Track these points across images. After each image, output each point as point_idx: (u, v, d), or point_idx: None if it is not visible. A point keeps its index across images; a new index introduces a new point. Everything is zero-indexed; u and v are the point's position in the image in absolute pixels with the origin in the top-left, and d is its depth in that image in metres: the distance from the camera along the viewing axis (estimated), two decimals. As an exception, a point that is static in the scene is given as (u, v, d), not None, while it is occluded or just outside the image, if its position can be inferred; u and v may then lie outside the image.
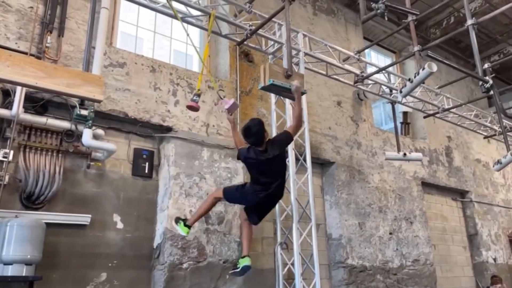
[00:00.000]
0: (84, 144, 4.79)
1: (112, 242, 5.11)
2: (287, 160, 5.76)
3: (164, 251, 5.19)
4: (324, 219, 7.46)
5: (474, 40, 5.66)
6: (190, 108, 4.71)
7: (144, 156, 5.62)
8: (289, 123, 5.83)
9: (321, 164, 7.67)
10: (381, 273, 7.45)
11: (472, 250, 9.97)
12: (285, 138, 4.34)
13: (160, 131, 5.77)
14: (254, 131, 4.10)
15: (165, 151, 5.72)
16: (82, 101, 4.75)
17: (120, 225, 5.22)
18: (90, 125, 4.75)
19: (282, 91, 4.49)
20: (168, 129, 5.74)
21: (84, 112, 4.72)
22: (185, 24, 5.81)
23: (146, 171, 5.58)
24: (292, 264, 5.33)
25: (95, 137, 4.91)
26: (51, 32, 5.03)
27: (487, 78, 5.88)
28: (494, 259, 9.90)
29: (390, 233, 7.93)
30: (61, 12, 5.20)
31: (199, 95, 4.65)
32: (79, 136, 4.81)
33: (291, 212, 5.48)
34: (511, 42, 11.25)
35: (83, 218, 4.88)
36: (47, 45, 4.93)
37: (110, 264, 5.03)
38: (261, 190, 4.23)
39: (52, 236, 4.50)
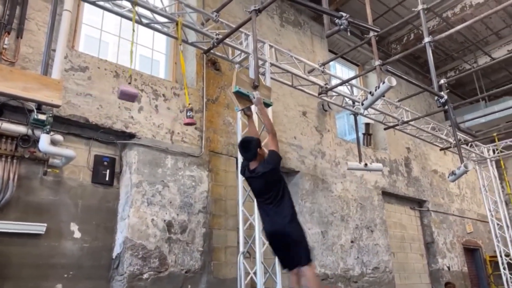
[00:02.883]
0: (41, 150, 4.61)
1: (68, 252, 4.92)
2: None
3: (123, 261, 5.05)
4: (288, 227, 7.51)
5: (430, 57, 5.94)
6: (188, 124, 4.81)
7: (105, 163, 5.47)
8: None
9: (286, 173, 7.75)
10: (342, 281, 7.58)
11: (428, 257, 10.35)
12: (270, 156, 4.13)
13: (122, 138, 5.64)
14: (246, 146, 4.08)
15: (127, 158, 5.59)
16: (40, 106, 4.57)
17: (77, 234, 5.03)
18: (48, 130, 4.59)
19: (247, 100, 4.50)
20: (131, 136, 5.63)
21: (42, 117, 4.55)
22: (150, 31, 5.77)
23: (107, 179, 5.44)
24: (255, 273, 5.32)
25: (53, 142, 4.74)
26: (9, 33, 4.84)
27: (442, 93, 6.18)
28: (448, 267, 10.32)
29: (352, 242, 8.10)
30: (21, 13, 5.02)
31: (191, 110, 4.71)
32: (36, 141, 4.63)
33: (254, 221, 5.48)
34: (466, 59, 11.89)
35: (38, 227, 4.68)
36: (5, 46, 4.74)
37: (66, 275, 4.83)
38: (263, 216, 4.28)
39: (3, 246, 4.29)
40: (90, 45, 6.29)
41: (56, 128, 4.94)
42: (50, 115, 4.58)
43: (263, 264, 5.23)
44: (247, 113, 4.55)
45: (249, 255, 5.68)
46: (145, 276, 5.14)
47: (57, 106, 4.11)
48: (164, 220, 5.55)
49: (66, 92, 5.10)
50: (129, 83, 4.58)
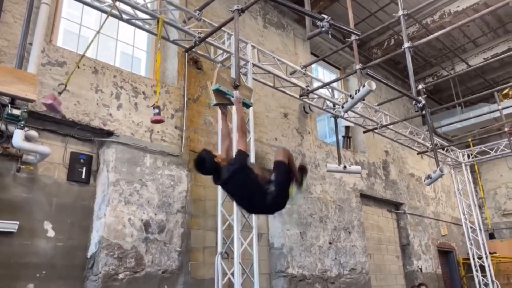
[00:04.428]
0: (14, 145, 4.47)
1: (41, 251, 4.79)
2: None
3: (99, 261, 4.95)
4: (267, 228, 7.53)
5: (409, 62, 6.06)
6: (155, 122, 4.63)
7: (82, 161, 5.36)
8: (235, 132, 5.84)
9: (266, 174, 7.75)
10: (319, 282, 7.64)
11: (404, 259, 10.54)
12: (235, 156, 3.91)
13: (100, 135, 5.54)
14: (201, 165, 3.77)
15: (105, 156, 5.49)
16: (14, 100, 4.44)
17: (51, 233, 4.91)
18: (22, 125, 4.46)
19: (225, 99, 4.40)
20: (109, 133, 5.53)
21: (16, 112, 4.41)
22: (132, 27, 5.69)
23: (83, 177, 5.32)
24: (232, 274, 5.31)
25: (28, 138, 4.61)
26: (-17, 25, 4.68)
27: (420, 98, 6.30)
28: (420, 269, 10.53)
29: (330, 243, 8.18)
30: (-4, 4, 4.86)
31: (158, 107, 4.57)
32: (10, 137, 4.49)
33: (233, 221, 5.47)
34: (444, 66, 12.19)
35: (10, 225, 4.53)
36: (-22, 38, 4.58)
37: (38, 275, 4.70)
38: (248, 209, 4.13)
39: (-28, 244, 4.13)
40: (69, 40, 6.15)
41: (31, 124, 4.81)
42: (25, 110, 4.46)
43: (241, 265, 5.22)
44: (223, 111, 4.41)
45: (227, 255, 5.66)
46: (120, 276, 5.05)
47: (32, 101, 3.99)
48: (142, 220, 5.47)
49: (42, 87, 4.98)
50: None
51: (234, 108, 4.60)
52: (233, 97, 4.18)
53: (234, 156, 3.94)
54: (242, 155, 3.81)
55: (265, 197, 3.73)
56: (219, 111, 6.11)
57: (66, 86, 4.33)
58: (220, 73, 4.31)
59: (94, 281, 4.91)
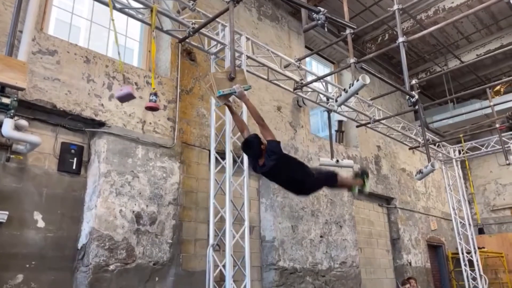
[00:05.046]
0: (4, 135, 4.41)
1: (31, 242, 4.74)
2: (224, 162, 5.77)
3: (89, 252, 4.92)
4: (259, 221, 7.55)
5: (403, 56, 6.06)
6: (150, 108, 4.49)
7: (73, 151, 5.30)
8: (229, 125, 5.81)
9: (258, 167, 7.75)
10: (310, 275, 7.69)
11: (394, 253, 10.64)
12: (270, 146, 3.95)
13: (91, 126, 5.48)
14: (249, 145, 3.94)
15: (96, 147, 5.44)
16: (3, 88, 4.36)
17: (41, 224, 4.86)
18: (12, 114, 4.39)
19: (229, 95, 4.33)
20: (101, 124, 5.48)
21: (5, 100, 4.34)
22: (124, 17, 5.61)
23: (74, 167, 5.27)
24: (224, 266, 5.32)
25: (18, 128, 4.54)
26: (-29, 11, 4.58)
27: (413, 93, 6.32)
28: (410, 263, 10.65)
29: (321, 236, 8.22)
30: (-15, -10, 4.76)
31: (156, 94, 4.46)
32: (-1, 126, 4.41)
33: (225, 214, 5.46)
34: (437, 62, 12.24)
35: (-1, 215, 4.48)
36: (-34, 24, 4.48)
37: (27, 265, 4.66)
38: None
39: (-41, 234, 4.07)
40: (61, 30, 6.06)
41: (21, 113, 4.74)
42: (15, 98, 4.38)
43: (232, 257, 5.23)
44: (227, 104, 4.32)
45: (219, 248, 5.66)
46: (111, 267, 5.03)
47: (22, 89, 3.93)
48: (133, 211, 5.44)
49: (33, 75, 4.90)
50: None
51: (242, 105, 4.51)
52: (235, 92, 4.09)
53: (268, 145, 3.97)
54: (276, 143, 3.95)
55: (309, 174, 4.15)
56: (213, 103, 6.11)
57: None
58: (216, 75, 4.24)
59: (84, 272, 4.88)
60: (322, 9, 4.65)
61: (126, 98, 4.46)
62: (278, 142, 3.98)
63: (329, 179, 4.42)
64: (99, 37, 6.57)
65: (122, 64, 5.14)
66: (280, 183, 4.31)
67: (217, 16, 5.58)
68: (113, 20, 4.25)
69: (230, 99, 4.46)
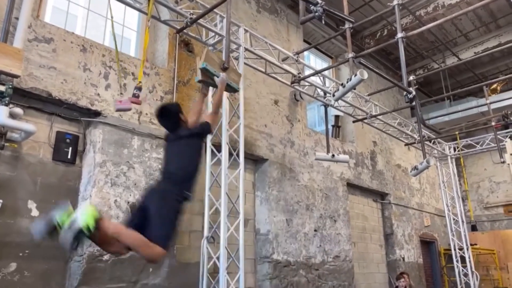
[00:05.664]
0: (-2, 122, 4.36)
1: (24, 231, 4.71)
2: (220, 154, 5.75)
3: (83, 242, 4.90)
4: (254, 214, 7.56)
5: (402, 52, 6.06)
6: (133, 103, 4.19)
7: (68, 141, 5.26)
8: (225, 118, 5.82)
9: (255, 161, 7.76)
10: (304, 268, 7.74)
11: (387, 248, 10.72)
12: (200, 124, 3.61)
13: (87, 115, 5.44)
14: (165, 114, 3.53)
15: (92, 137, 5.41)
16: (-2, 75, 4.32)
17: (35, 213, 4.84)
18: (7, 102, 4.34)
19: (211, 80, 4.26)
20: (96, 114, 5.44)
21: (0, 88, 4.29)
22: (122, 5, 5.55)
23: (69, 157, 5.24)
24: (218, 258, 5.33)
25: (12, 116, 4.49)
26: (-34, -4, 4.51)
27: (410, 89, 6.32)
28: (403, 258, 10.74)
29: (315, 230, 8.25)
30: (-20, -25, 4.68)
31: (140, 88, 4.19)
32: (-7, 113, 4.37)
33: (220, 206, 5.47)
34: (435, 59, 12.24)
35: (-8, 204, 4.46)
36: (-39, 9, 4.42)
37: (21, 254, 4.65)
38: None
39: (-48, 221, 4.05)
40: (57, 17, 5.99)
41: (16, 101, 4.69)
42: (10, 86, 4.33)
43: (226, 249, 5.25)
44: (204, 91, 4.19)
45: (213, 240, 5.68)
46: (105, 257, 5.02)
47: (17, 76, 3.88)
48: (128, 202, 5.43)
49: (28, 63, 4.84)
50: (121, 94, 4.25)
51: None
52: (218, 77, 4.06)
53: (199, 123, 3.66)
54: (208, 126, 3.57)
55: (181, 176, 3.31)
56: (209, 95, 6.07)
57: None
58: (209, 53, 4.20)
59: (78, 261, 4.88)
60: (320, 1, 4.62)
61: (124, 110, 4.33)
62: (210, 130, 3.62)
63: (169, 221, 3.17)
64: (96, 25, 6.50)
65: (119, 62, 5.07)
66: (165, 158, 3.60)
67: (215, 6, 5.53)
68: (112, 18, 4.19)
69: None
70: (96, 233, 2.80)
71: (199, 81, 4.17)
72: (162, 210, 3.09)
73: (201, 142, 3.60)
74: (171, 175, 3.31)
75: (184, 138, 3.43)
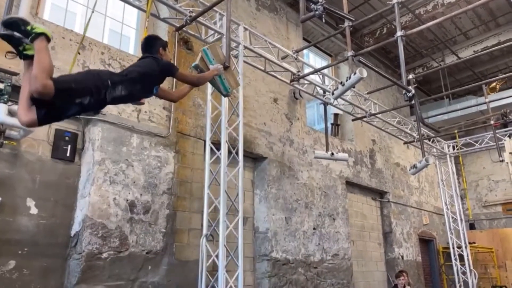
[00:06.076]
0: (-3, 120, 4.35)
1: (23, 228, 4.72)
2: (219, 152, 5.74)
3: (82, 240, 4.91)
4: (253, 212, 7.57)
5: (401, 50, 6.05)
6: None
7: (67, 138, 5.26)
8: (224, 116, 5.79)
9: (254, 159, 7.76)
10: (302, 266, 7.75)
11: (386, 246, 10.74)
12: (167, 61, 3.45)
13: (86, 113, 5.42)
14: (150, 42, 3.41)
15: (91, 135, 5.40)
16: (-3, 73, 4.31)
17: (34, 210, 4.84)
18: (5, 100, 4.33)
19: (207, 69, 4.13)
20: (95, 112, 5.42)
21: (-1, 85, 4.29)
22: (121, 3, 5.54)
23: (68, 154, 5.24)
24: (217, 256, 5.34)
25: (11, 113, 4.47)
26: (-36, -7, 4.49)
27: (410, 87, 6.32)
28: (401, 256, 10.76)
29: (314, 228, 8.27)
30: (-21, -28, 4.67)
31: None
32: (-8, 111, 4.36)
33: (219, 204, 5.47)
34: (434, 57, 12.23)
35: (-9, 201, 4.45)
36: (-41, 6, 4.40)
37: (20, 252, 4.65)
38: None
39: (-49, 219, 4.04)
40: (56, 15, 5.97)
41: (15, 99, 4.66)
42: (9, 84, 4.33)
43: (225, 248, 5.25)
44: (201, 71, 3.92)
45: (212, 238, 5.68)
46: (104, 255, 5.03)
47: (15, 74, 3.87)
48: (127, 200, 5.43)
49: (27, 61, 4.82)
50: None
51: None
52: (212, 64, 3.94)
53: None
54: (171, 66, 3.44)
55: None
56: (209, 93, 6.07)
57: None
58: (216, 46, 4.11)
59: (77, 259, 4.88)
60: (320, 0, 4.61)
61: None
62: (175, 68, 3.44)
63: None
64: (95, 23, 6.48)
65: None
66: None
67: (215, 4, 5.52)
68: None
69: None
70: (32, 44, 2.52)
71: (195, 67, 4.05)
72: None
73: (161, 76, 3.41)
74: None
75: (148, 57, 3.32)
